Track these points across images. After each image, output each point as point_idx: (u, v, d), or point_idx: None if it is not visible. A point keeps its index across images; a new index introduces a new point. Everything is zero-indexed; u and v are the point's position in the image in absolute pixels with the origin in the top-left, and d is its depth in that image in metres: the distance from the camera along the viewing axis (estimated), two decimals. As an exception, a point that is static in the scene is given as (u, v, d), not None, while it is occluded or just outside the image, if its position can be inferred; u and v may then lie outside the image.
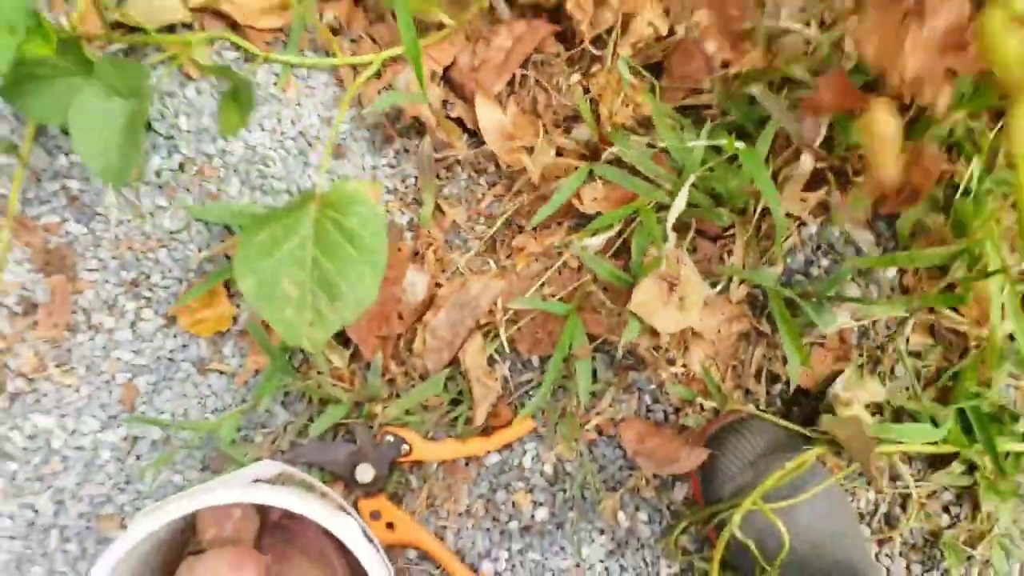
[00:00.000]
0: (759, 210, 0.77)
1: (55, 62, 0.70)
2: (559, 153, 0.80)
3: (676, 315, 0.76)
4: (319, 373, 0.75)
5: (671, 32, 0.80)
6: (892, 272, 0.82)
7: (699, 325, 0.78)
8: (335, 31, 0.81)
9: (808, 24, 0.76)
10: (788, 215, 0.79)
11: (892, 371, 0.81)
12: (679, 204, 0.73)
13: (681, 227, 0.78)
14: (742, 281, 0.79)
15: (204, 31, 0.78)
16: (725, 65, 0.78)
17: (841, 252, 0.82)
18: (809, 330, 0.80)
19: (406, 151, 0.81)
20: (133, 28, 0.77)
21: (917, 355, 0.81)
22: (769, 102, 0.75)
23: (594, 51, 0.80)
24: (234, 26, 0.79)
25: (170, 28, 0.78)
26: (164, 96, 0.77)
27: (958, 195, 0.77)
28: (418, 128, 0.81)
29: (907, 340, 0.81)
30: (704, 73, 0.79)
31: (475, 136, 0.81)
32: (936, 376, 0.81)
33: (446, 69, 0.81)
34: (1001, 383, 0.80)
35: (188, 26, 0.79)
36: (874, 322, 0.81)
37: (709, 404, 0.79)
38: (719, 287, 0.79)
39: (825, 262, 0.82)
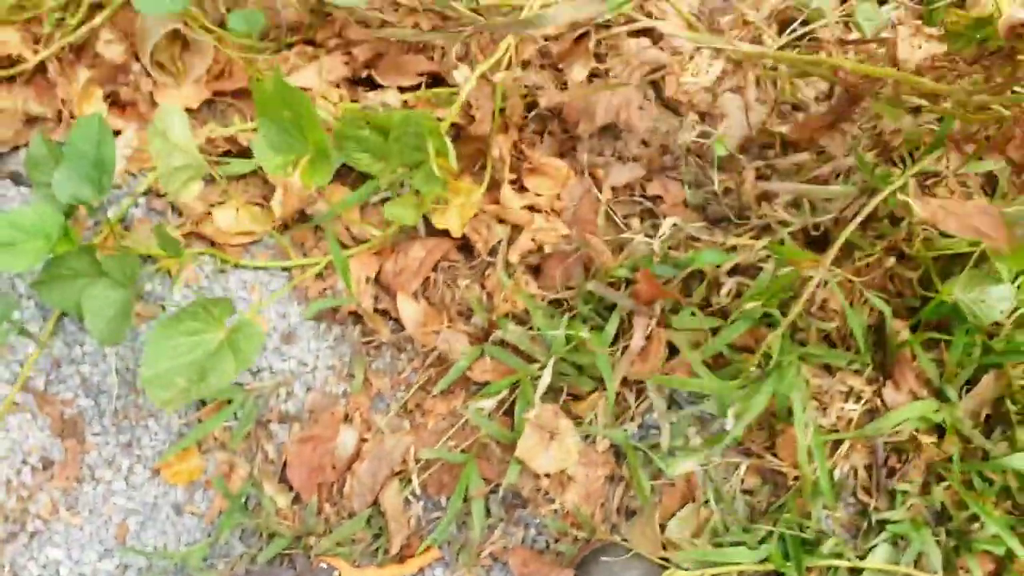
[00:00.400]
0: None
1: (75, 266, 0.94)
2: (462, 336, 1.03)
3: (553, 459, 0.97)
4: (268, 514, 0.96)
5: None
6: (729, 426, 1.03)
7: (572, 470, 0.99)
8: (294, 247, 1.06)
9: (648, 236, 1.01)
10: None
11: (732, 505, 1.01)
12: (546, 379, 0.96)
13: (558, 389, 1.00)
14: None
15: (190, 249, 1.04)
16: (586, 268, 1.02)
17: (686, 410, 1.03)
18: (662, 473, 1.00)
19: (343, 336, 1.05)
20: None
21: (750, 492, 1.01)
22: (611, 295, 0.98)
23: (488, 259, 1.04)
24: (213, 243, 1.05)
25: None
26: (159, 301, 1.02)
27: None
28: (354, 318, 1.05)
29: (742, 480, 1.01)
30: (570, 275, 1.03)
31: (398, 323, 1.04)
32: (767, 509, 1.01)
33: (376, 274, 1.05)
34: (820, 513, 1.00)
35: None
36: (715, 467, 1.02)
37: (581, 534, 0.99)
38: (589, 438, 1.00)
39: (674, 418, 1.03)
